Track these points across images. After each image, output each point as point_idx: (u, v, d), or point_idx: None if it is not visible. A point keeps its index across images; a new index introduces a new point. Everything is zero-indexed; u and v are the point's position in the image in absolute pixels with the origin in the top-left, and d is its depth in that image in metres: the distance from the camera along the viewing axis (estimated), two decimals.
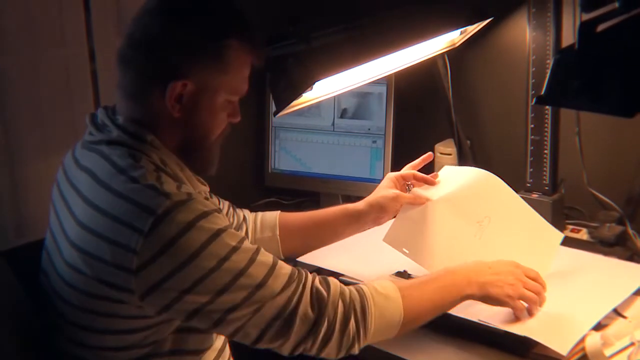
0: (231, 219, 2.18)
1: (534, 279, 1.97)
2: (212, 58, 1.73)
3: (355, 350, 1.76)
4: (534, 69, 2.40)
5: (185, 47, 1.70)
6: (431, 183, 2.22)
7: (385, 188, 2.25)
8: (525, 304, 1.92)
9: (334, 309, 1.71)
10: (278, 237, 2.24)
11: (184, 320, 1.67)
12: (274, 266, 1.70)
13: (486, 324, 1.92)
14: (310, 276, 1.75)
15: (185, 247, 1.59)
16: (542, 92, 1.47)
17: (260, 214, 2.28)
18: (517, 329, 1.87)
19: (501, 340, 1.90)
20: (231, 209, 2.22)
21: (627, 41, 1.40)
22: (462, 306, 1.99)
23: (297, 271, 1.74)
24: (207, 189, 1.92)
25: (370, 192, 2.79)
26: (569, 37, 2.36)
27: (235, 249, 1.65)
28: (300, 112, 2.79)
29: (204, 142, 1.81)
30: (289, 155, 2.95)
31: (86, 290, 1.67)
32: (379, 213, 2.24)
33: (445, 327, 1.98)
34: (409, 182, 2.24)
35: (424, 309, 1.85)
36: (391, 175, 2.28)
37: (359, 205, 2.26)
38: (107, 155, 1.72)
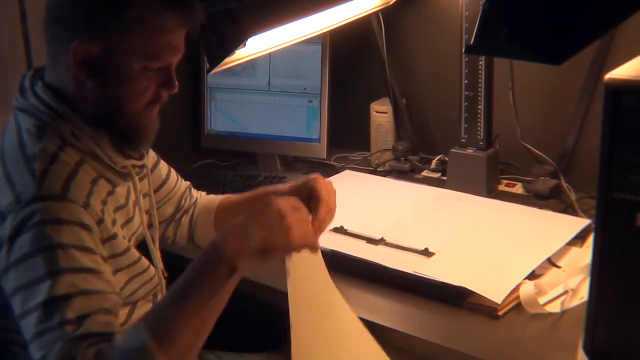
0: (184, 202, 2.15)
1: (296, 208, 1.60)
2: (114, 17, 1.61)
3: None
4: (467, 25, 2.41)
5: (86, 6, 1.62)
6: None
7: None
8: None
9: None
10: (213, 220, 2.14)
11: None
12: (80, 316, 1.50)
13: (422, 275, 1.94)
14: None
15: (17, 248, 1.53)
16: (471, 42, 1.47)
17: (206, 197, 2.21)
18: (453, 279, 1.89)
19: (437, 291, 1.92)
20: (187, 191, 2.17)
21: None
22: (398, 258, 2.02)
23: (75, 345, 1.46)
24: (139, 162, 1.83)
25: (307, 151, 2.82)
26: None
27: (60, 272, 1.51)
28: (236, 72, 2.80)
29: (121, 113, 1.68)
30: (225, 116, 2.93)
31: None
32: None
33: (381, 279, 2.00)
34: None
35: (184, 315, 1.47)
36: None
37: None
38: (19, 125, 1.68)
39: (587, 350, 1.58)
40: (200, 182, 2.62)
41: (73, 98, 1.68)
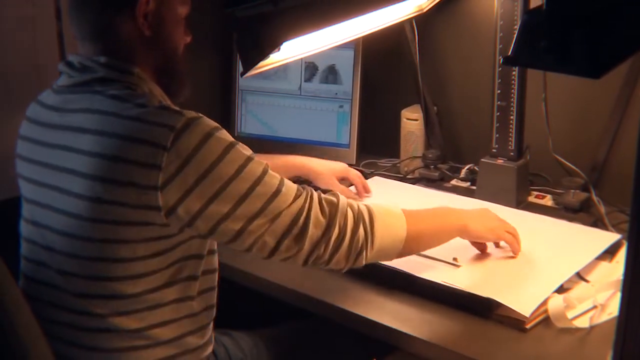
0: None
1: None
2: None
3: (362, 261, 1.83)
4: (501, 34, 2.40)
5: None
6: (362, 192, 2.57)
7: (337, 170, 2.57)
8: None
9: (343, 214, 1.78)
10: None
11: (205, 235, 1.72)
12: (282, 180, 1.77)
13: (450, 285, 1.93)
14: (315, 192, 1.82)
15: (206, 156, 1.66)
16: (510, 53, 1.46)
17: None
18: (481, 291, 1.88)
19: (465, 302, 1.91)
20: None
21: (595, 2, 1.40)
22: (426, 268, 2.01)
23: (301, 186, 1.81)
24: None
25: (336, 156, 2.82)
26: (536, 3, 2.35)
27: (250, 159, 1.72)
28: (267, 76, 2.80)
29: (176, 56, 1.88)
30: (255, 119, 2.93)
31: (110, 219, 1.68)
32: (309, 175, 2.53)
33: (409, 288, 1.99)
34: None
35: (424, 231, 1.95)
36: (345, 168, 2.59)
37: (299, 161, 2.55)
38: (102, 92, 1.75)
39: None
40: None
41: (137, 59, 1.82)
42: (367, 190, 2.57)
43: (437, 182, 2.70)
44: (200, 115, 1.72)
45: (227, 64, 2.96)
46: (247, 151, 1.73)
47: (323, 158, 2.86)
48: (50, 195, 1.77)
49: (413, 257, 2.07)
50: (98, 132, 1.69)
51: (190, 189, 1.64)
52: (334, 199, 1.80)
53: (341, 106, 2.81)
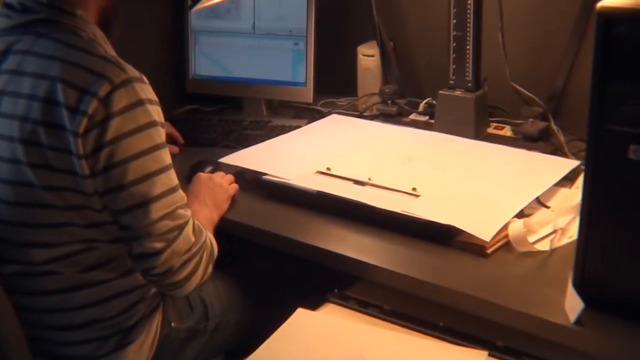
0: None
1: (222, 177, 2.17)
2: None
3: (190, 287, 1.82)
4: None
5: None
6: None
7: None
8: None
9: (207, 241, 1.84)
10: None
11: (101, 194, 1.68)
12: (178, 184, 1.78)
13: (410, 214, 1.91)
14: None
15: (128, 120, 1.64)
16: None
17: None
18: (441, 218, 1.87)
19: (425, 230, 1.89)
20: None
21: None
22: (385, 198, 2.00)
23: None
24: None
25: (293, 95, 2.77)
26: None
27: (164, 145, 1.73)
28: (220, 15, 2.76)
29: None
30: (209, 61, 2.88)
31: (49, 164, 1.66)
32: None
33: (369, 219, 1.97)
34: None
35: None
36: None
37: None
38: (45, 34, 1.72)
39: (577, 286, 1.57)
40: (185, 128, 2.59)
41: (80, 1, 1.77)
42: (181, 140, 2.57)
43: (395, 118, 2.68)
44: (143, 78, 1.70)
45: (178, 5, 2.90)
46: (164, 137, 1.74)
47: (281, 98, 2.84)
48: None
49: (372, 189, 2.06)
50: (38, 75, 1.67)
51: (104, 145, 1.63)
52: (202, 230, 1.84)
53: (296, 44, 2.77)
